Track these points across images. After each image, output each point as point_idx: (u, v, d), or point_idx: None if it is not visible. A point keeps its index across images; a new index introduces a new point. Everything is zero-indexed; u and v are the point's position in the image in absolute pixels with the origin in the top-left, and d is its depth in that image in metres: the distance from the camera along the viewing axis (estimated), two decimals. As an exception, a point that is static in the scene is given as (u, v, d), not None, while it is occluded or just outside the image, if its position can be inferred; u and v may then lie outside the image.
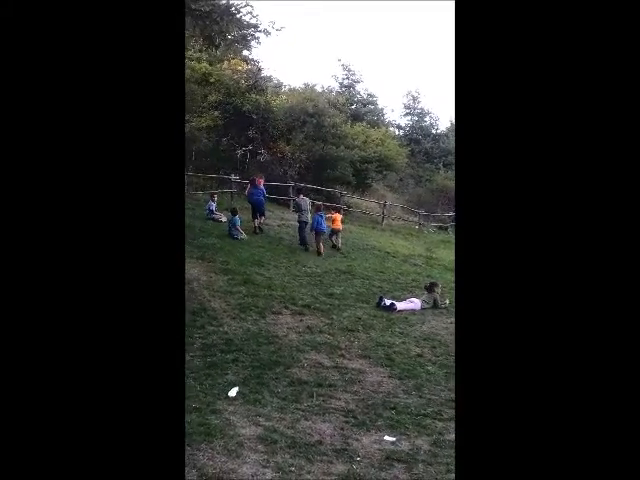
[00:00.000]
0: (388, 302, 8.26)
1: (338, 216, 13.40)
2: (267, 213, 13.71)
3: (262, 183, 13.77)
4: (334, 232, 12.96)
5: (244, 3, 11.92)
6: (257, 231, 12.48)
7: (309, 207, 12.57)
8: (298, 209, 12.78)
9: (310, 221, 12.08)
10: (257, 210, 12.70)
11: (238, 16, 11.68)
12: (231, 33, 12.39)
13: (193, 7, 9.98)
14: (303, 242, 12.05)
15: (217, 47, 12.93)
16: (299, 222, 12.35)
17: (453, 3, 1.95)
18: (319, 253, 11.64)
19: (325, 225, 12.13)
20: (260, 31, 12.63)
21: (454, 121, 2.04)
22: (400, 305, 8.28)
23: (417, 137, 33.53)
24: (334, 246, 12.73)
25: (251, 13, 12.23)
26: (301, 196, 13.00)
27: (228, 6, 11.47)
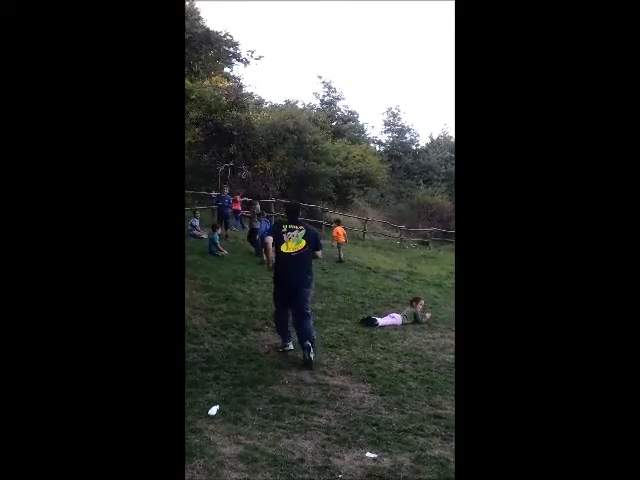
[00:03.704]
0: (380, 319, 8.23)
1: (340, 229, 13.07)
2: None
3: (242, 199, 14.05)
4: (338, 245, 12.73)
5: (223, 32, 11.96)
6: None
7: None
8: (252, 216, 13.03)
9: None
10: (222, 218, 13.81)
11: (217, 45, 11.76)
12: (210, 62, 12.51)
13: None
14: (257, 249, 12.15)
15: (196, 74, 13.03)
16: (250, 229, 12.52)
17: (442, 4, 1.93)
18: (264, 263, 11.68)
19: None
20: (240, 60, 12.76)
21: (453, 123, 2.00)
22: (382, 321, 8.30)
23: (397, 153, 33.93)
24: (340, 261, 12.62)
25: (230, 41, 12.31)
26: (256, 204, 13.17)
27: (207, 35, 11.53)
